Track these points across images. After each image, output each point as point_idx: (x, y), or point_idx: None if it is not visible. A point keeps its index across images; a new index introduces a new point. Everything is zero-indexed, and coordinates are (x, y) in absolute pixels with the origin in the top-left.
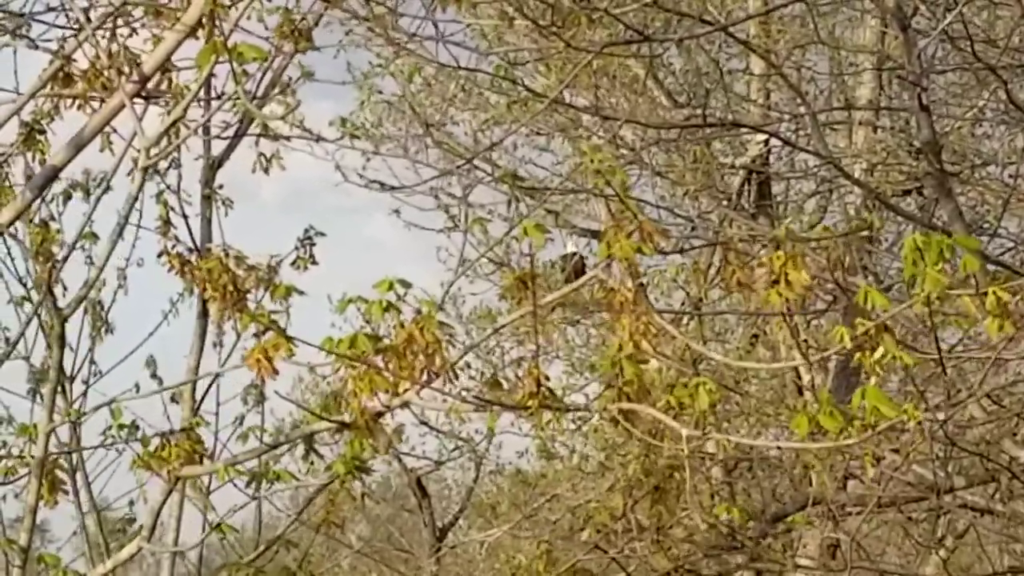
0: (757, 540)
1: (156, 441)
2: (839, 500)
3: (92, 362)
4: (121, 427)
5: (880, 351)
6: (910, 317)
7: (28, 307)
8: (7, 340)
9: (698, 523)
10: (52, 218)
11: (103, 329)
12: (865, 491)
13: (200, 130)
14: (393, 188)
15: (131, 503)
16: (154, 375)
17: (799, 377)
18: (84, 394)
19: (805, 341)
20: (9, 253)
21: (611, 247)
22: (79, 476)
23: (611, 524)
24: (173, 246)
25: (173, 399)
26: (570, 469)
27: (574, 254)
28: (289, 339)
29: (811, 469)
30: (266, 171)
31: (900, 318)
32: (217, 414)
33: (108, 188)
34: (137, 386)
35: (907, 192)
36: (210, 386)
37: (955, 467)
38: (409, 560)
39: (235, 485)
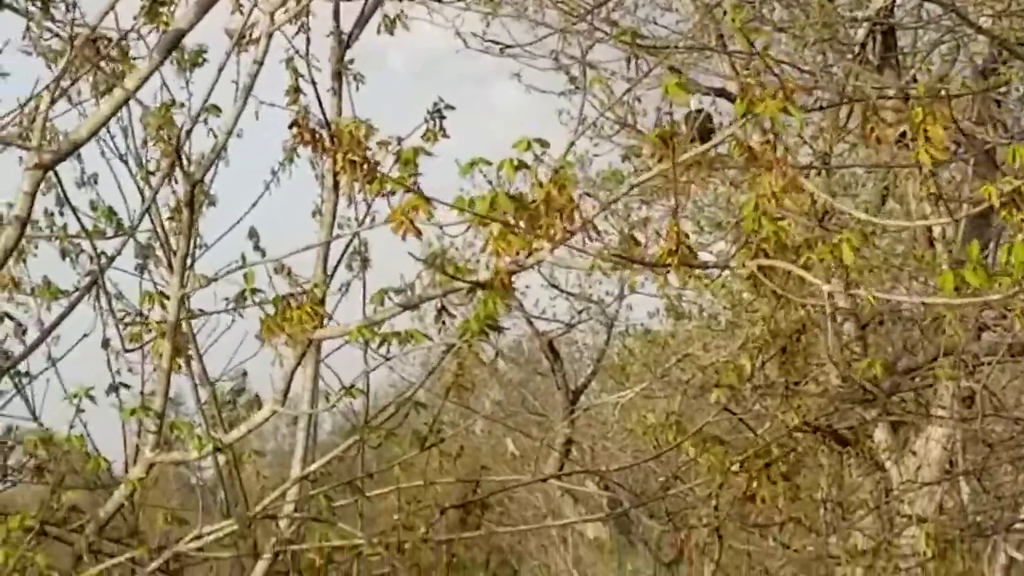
0: (890, 393)
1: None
2: (972, 350)
3: (197, 234)
4: (254, 291)
5: None
6: None
7: (147, 182)
8: (118, 222)
9: (831, 379)
10: (184, 84)
11: (205, 202)
12: (998, 340)
13: None
14: (510, 47)
15: (244, 373)
16: (257, 247)
17: (929, 229)
18: (191, 267)
19: (935, 193)
20: (127, 129)
21: (754, 106)
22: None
23: (740, 385)
24: (303, 117)
25: (276, 270)
26: (700, 328)
27: (699, 111)
28: (428, 199)
29: (944, 320)
30: (391, 32)
31: None
32: (328, 282)
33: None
34: (243, 257)
35: None
36: (346, 249)
37: None
38: (543, 423)
39: (369, 347)
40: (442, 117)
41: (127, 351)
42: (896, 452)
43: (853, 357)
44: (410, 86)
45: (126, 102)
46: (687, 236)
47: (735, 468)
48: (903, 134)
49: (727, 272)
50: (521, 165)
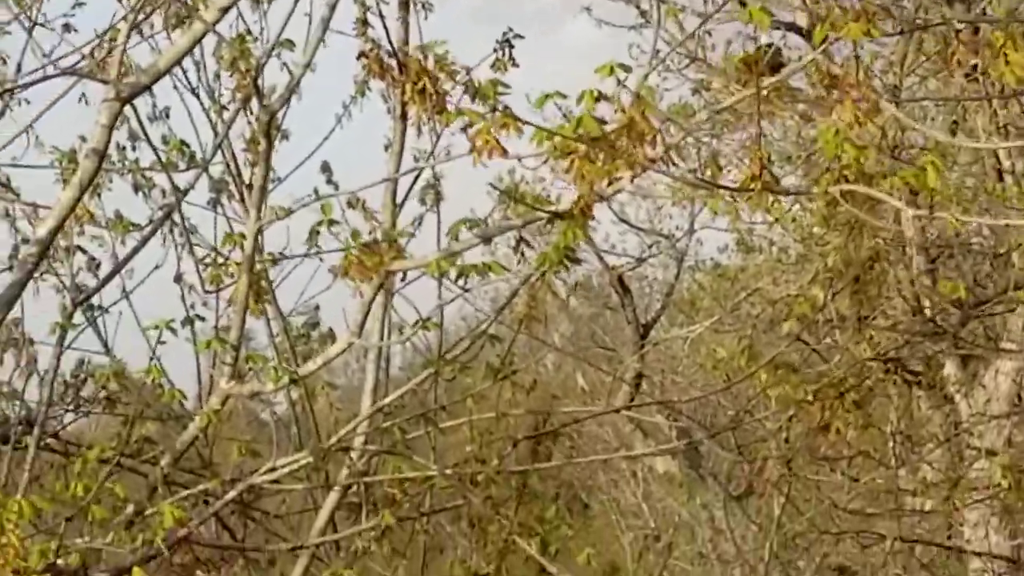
0: (960, 326)
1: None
2: None
3: (271, 167)
4: (331, 223)
5: None
6: None
7: (219, 117)
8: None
9: (901, 311)
10: (260, 18)
11: (278, 136)
12: None
13: None
14: None
15: (317, 307)
16: (329, 181)
17: (999, 162)
18: (263, 201)
19: (1006, 126)
20: (199, 62)
21: (835, 29)
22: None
23: (812, 316)
24: (371, 48)
25: (350, 204)
26: (770, 262)
27: (770, 45)
28: (516, 118)
29: (1014, 250)
30: None
31: None
32: (398, 213)
33: None
34: (316, 191)
35: None
36: (415, 180)
37: None
38: (612, 357)
39: (447, 279)
40: (511, 47)
41: (207, 292)
42: (965, 385)
43: (924, 290)
44: (478, 25)
45: (205, 35)
46: (771, 161)
47: (808, 398)
48: (974, 67)
49: (797, 206)
50: (601, 96)
